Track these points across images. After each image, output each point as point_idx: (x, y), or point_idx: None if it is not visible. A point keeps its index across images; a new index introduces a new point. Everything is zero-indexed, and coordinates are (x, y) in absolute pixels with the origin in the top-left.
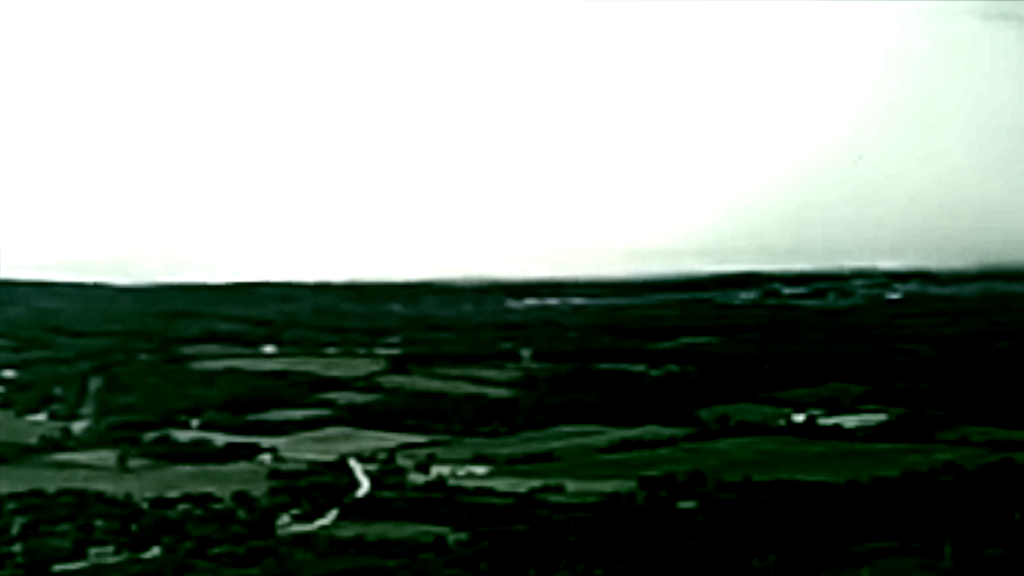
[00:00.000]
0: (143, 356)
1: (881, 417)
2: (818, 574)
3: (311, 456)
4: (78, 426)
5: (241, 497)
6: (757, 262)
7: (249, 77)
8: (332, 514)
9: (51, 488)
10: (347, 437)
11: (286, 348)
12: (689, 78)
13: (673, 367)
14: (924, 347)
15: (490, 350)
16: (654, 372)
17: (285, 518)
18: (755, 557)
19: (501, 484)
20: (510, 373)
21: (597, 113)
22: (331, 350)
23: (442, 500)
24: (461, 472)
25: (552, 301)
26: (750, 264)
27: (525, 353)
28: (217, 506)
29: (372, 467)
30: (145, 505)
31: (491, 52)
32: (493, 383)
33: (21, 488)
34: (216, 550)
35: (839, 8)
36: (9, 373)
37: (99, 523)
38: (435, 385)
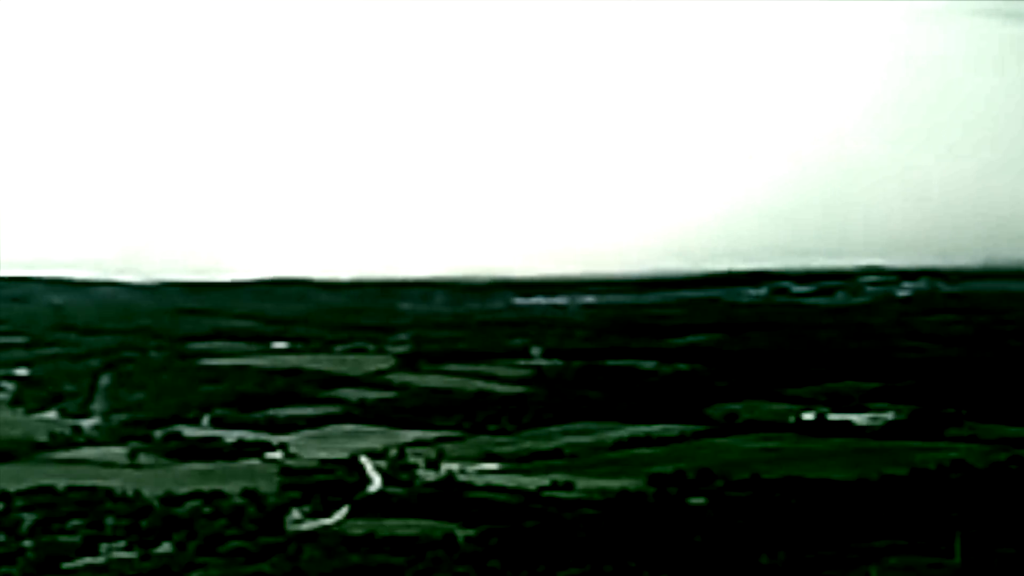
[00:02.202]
0: (153, 353)
1: (890, 415)
2: (827, 571)
3: (321, 453)
4: (88, 423)
5: (251, 494)
6: (766, 260)
7: (260, 78)
8: (342, 511)
9: (61, 485)
10: (357, 434)
11: (296, 345)
12: (697, 78)
13: (682, 365)
14: (933, 345)
15: (500, 347)
16: (663, 369)
17: (295, 515)
18: (764, 554)
19: (511, 481)
20: (520, 370)
21: (606, 113)
22: (341, 347)
23: (452, 497)
24: (471, 469)
25: (561, 299)
26: (759, 262)
27: (535, 350)
28: (227, 503)
29: (382, 464)
30: (155, 502)
31: (499, 54)
32: (503, 380)
33: (31, 485)
34: (226, 547)
35: (845, 8)
36: (20, 370)
37: (109, 520)
38: (445, 382)
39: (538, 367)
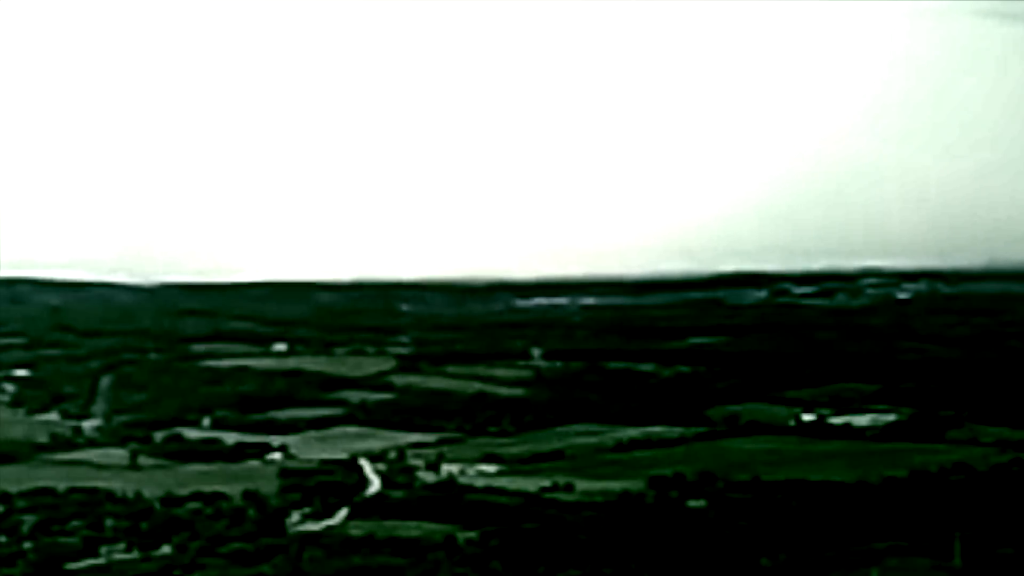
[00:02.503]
0: (153, 355)
1: (891, 417)
2: (827, 573)
3: (321, 455)
4: (89, 424)
5: (251, 495)
6: (766, 262)
7: (259, 79)
8: (342, 512)
9: (62, 486)
10: (357, 436)
11: (296, 347)
12: (697, 78)
13: (683, 367)
14: (933, 346)
15: (500, 349)
16: (664, 371)
17: (296, 516)
18: (765, 556)
19: (511, 483)
20: (520, 372)
21: (607, 114)
22: (341, 349)
23: (452, 499)
24: (471, 471)
25: (561, 300)
26: (759, 264)
27: (535, 352)
28: (227, 504)
29: (382, 466)
30: (156, 503)
31: (499, 55)
32: (503, 382)
33: (32, 486)
34: (226, 548)
35: (845, 8)
36: (20, 372)
37: (110, 521)
38: (445, 384)
39: (538, 369)
